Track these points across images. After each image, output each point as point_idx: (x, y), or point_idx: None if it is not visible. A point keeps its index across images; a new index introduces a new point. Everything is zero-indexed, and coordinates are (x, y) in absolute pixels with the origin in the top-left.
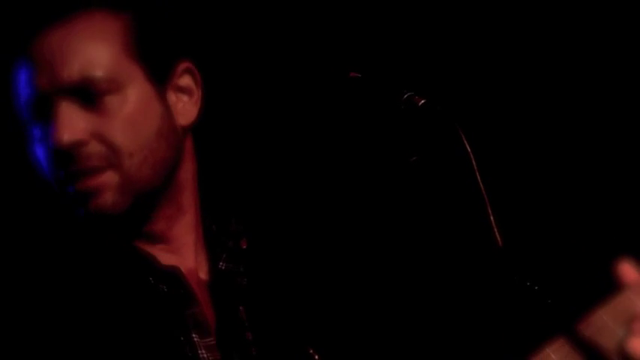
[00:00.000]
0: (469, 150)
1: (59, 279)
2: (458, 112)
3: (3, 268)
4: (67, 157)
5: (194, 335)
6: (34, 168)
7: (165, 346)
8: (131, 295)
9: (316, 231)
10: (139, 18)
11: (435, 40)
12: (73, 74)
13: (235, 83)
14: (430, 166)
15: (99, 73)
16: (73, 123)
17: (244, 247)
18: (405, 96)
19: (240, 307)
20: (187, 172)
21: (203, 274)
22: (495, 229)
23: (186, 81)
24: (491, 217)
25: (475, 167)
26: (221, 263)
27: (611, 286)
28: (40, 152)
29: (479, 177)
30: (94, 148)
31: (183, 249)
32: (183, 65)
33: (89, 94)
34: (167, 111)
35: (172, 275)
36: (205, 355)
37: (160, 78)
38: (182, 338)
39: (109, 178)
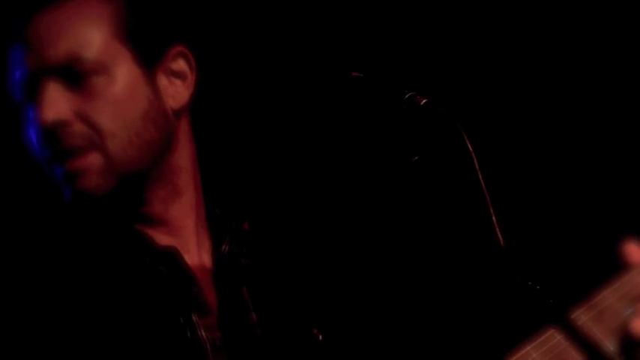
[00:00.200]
0: (471, 149)
1: (57, 264)
2: (460, 111)
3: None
4: (53, 136)
5: (193, 315)
6: (28, 150)
7: (164, 327)
8: (129, 277)
9: (318, 220)
10: (131, 3)
11: (436, 39)
12: (59, 53)
13: (239, 80)
14: (432, 166)
15: (85, 53)
16: (57, 103)
17: (247, 228)
18: (407, 95)
19: (244, 288)
20: (183, 155)
21: (206, 257)
22: (497, 229)
23: (179, 65)
24: (493, 217)
25: (477, 167)
26: (224, 246)
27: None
28: (32, 133)
29: (480, 176)
30: (78, 128)
31: (182, 230)
32: (176, 49)
33: (75, 75)
34: (156, 94)
35: (169, 255)
36: (205, 335)
37: (149, 61)
38: (181, 319)
39: (93, 159)
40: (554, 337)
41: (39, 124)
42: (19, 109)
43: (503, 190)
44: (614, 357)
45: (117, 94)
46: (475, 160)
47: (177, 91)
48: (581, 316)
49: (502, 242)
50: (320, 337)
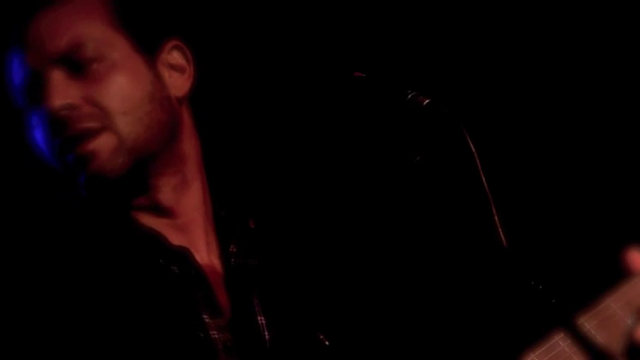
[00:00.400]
0: (473, 149)
1: (70, 263)
2: (462, 111)
3: (16, 257)
4: (61, 123)
5: (205, 316)
6: (36, 155)
7: (177, 327)
8: (142, 276)
9: (323, 221)
10: (126, 1)
11: (438, 39)
12: (59, 44)
13: (243, 80)
14: (434, 166)
15: (84, 41)
16: (63, 88)
17: (252, 227)
18: (410, 95)
19: (253, 291)
20: (189, 146)
21: (215, 257)
22: (500, 229)
23: (175, 58)
24: (496, 217)
25: (479, 166)
26: (232, 247)
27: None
28: (38, 136)
29: (483, 176)
30: (87, 110)
31: (191, 226)
32: (172, 43)
33: (76, 63)
34: (158, 80)
35: (182, 256)
36: (217, 336)
37: (148, 50)
38: (193, 319)
39: (105, 140)
40: (558, 345)
41: (46, 110)
42: (21, 115)
43: (506, 190)
44: None
45: (121, 77)
46: (477, 160)
47: (177, 82)
48: (584, 324)
49: (505, 243)
50: (326, 343)
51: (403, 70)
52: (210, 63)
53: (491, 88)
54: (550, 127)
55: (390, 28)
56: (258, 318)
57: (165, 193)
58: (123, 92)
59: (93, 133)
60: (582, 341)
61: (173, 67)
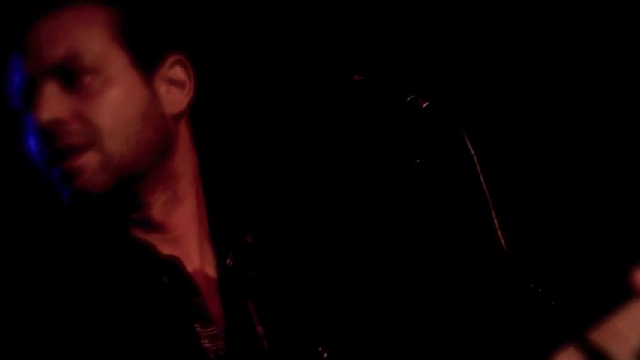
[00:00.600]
0: (472, 152)
1: (57, 272)
2: (461, 114)
3: (6, 266)
4: (50, 136)
5: (196, 325)
6: (28, 158)
7: (167, 336)
8: (131, 286)
9: (321, 231)
10: (128, 11)
11: (437, 42)
12: (57, 53)
13: (240, 86)
14: (433, 169)
15: (82, 51)
16: (53, 103)
17: (250, 242)
18: (409, 98)
19: (249, 301)
20: (184, 162)
21: (210, 268)
22: (499, 232)
23: (177, 73)
24: (495, 220)
25: (479, 169)
26: (228, 259)
27: (622, 290)
28: (31, 140)
29: (482, 179)
30: (75, 126)
31: (183, 239)
32: (173, 57)
33: (71, 73)
34: (154, 97)
35: (172, 265)
36: (208, 345)
37: (146, 66)
38: (184, 328)
39: (91, 158)
40: None
41: (36, 124)
42: (19, 117)
43: (506, 192)
44: None
45: (113, 94)
46: (477, 163)
47: (175, 98)
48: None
49: (504, 246)
50: (325, 355)
51: (402, 72)
52: (209, 75)
53: (491, 91)
54: (551, 129)
55: (388, 30)
56: (257, 328)
57: (156, 209)
58: (113, 110)
59: (78, 150)
60: (589, 349)
61: (173, 82)
